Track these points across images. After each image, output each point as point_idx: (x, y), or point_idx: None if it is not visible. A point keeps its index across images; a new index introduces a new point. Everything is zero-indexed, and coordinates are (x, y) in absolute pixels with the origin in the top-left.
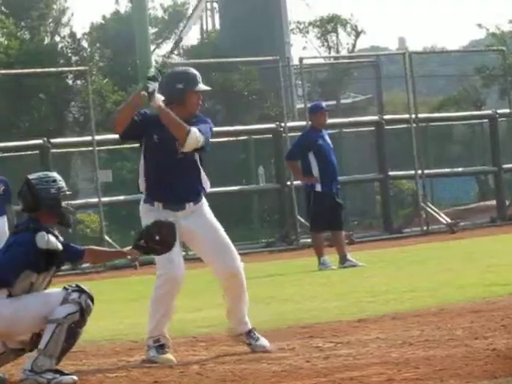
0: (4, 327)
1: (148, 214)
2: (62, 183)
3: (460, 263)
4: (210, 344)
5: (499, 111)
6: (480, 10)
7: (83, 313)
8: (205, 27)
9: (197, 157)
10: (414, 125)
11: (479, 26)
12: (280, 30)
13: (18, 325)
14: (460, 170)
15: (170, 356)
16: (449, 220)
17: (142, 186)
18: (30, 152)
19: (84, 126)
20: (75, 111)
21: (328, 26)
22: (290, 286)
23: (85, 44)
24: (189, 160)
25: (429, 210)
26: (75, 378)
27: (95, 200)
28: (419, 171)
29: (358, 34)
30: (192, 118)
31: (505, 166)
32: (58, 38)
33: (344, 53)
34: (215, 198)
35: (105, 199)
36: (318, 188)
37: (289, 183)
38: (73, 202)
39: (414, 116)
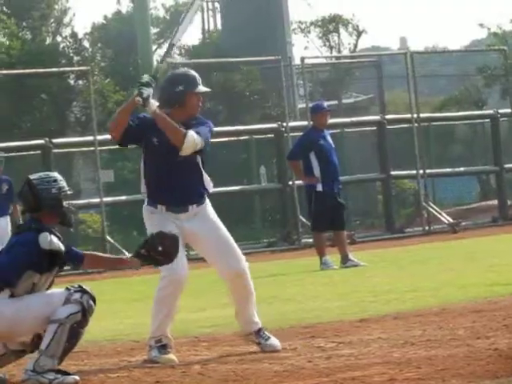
0: (6, 327)
1: (151, 217)
2: (62, 183)
3: (462, 263)
4: (212, 344)
5: (501, 111)
6: (481, 10)
7: (85, 313)
8: (206, 27)
9: (198, 159)
10: (416, 124)
11: (481, 25)
12: (282, 30)
13: (20, 325)
14: (462, 169)
15: (171, 356)
16: (451, 220)
17: (144, 189)
18: (31, 152)
19: (86, 126)
20: (77, 111)
21: (330, 25)
22: (292, 286)
23: (86, 44)
24: (190, 162)
25: (430, 209)
26: (77, 378)
27: (97, 200)
28: (421, 171)
29: (359, 34)
30: (192, 120)
31: (506, 165)
32: (59, 38)
33: (346, 53)
34: (217, 198)
35: (106, 199)
36: (319, 188)
37: (290, 183)
38: (75, 202)
39: (415, 116)
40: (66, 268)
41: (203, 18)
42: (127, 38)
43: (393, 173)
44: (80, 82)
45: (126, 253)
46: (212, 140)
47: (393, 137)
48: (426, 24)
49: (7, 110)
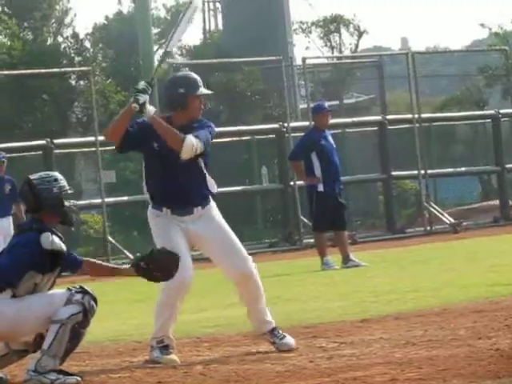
0: (7, 327)
1: (156, 220)
2: (63, 182)
3: (463, 263)
4: (214, 344)
5: (502, 111)
6: (482, 10)
7: (86, 313)
8: (207, 27)
9: (200, 161)
10: (417, 125)
11: (482, 25)
12: (283, 30)
13: (22, 325)
14: (463, 169)
15: (173, 357)
16: (452, 220)
17: (148, 193)
18: (33, 153)
19: (87, 126)
20: (78, 112)
21: (331, 26)
22: (293, 286)
23: (88, 44)
24: (192, 165)
25: (432, 209)
26: (79, 378)
27: (98, 201)
28: (422, 171)
29: (360, 34)
30: (194, 123)
31: (508, 165)
32: (60, 39)
33: (347, 53)
34: (218, 199)
35: (108, 200)
36: (321, 188)
37: (292, 183)
38: (76, 202)
39: (416, 116)
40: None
41: (204, 18)
42: (128, 39)
43: (394, 173)
44: (81, 82)
45: (127, 253)
46: (213, 140)
47: (394, 137)
48: (427, 24)
49: (8, 111)
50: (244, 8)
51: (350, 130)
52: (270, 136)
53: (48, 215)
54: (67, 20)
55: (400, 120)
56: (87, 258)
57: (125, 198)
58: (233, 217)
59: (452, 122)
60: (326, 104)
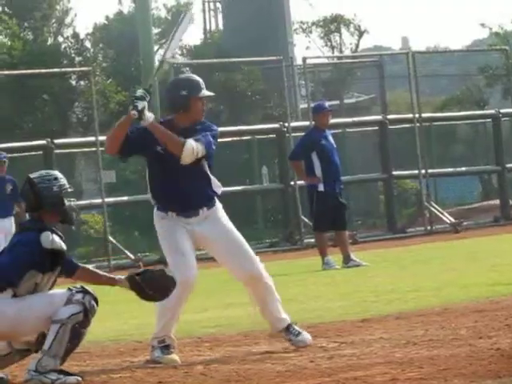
0: (8, 327)
1: (161, 222)
2: (63, 181)
3: (464, 263)
4: (215, 344)
5: (502, 111)
6: (483, 10)
7: (87, 313)
8: (208, 27)
9: (204, 163)
10: (418, 124)
11: (482, 25)
12: (283, 30)
13: (22, 325)
14: (463, 169)
15: (174, 356)
16: (452, 220)
17: (152, 197)
18: (33, 153)
19: (87, 126)
20: (79, 112)
21: (331, 25)
22: (294, 286)
23: (88, 44)
24: (196, 167)
25: (432, 209)
26: (79, 378)
27: (99, 201)
28: (423, 171)
29: (361, 34)
30: (197, 125)
31: (508, 165)
32: (61, 39)
33: (347, 53)
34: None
35: (108, 200)
36: (321, 188)
37: (292, 183)
38: (77, 202)
39: (417, 116)
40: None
41: (205, 18)
42: (129, 39)
43: (394, 173)
44: (82, 82)
45: (128, 253)
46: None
47: (394, 137)
48: (427, 24)
49: (9, 111)
50: (244, 8)
51: (351, 130)
52: (271, 136)
53: (48, 214)
54: (67, 20)
55: (400, 120)
56: (83, 265)
57: (125, 198)
58: (233, 217)
59: (452, 122)
60: (327, 104)
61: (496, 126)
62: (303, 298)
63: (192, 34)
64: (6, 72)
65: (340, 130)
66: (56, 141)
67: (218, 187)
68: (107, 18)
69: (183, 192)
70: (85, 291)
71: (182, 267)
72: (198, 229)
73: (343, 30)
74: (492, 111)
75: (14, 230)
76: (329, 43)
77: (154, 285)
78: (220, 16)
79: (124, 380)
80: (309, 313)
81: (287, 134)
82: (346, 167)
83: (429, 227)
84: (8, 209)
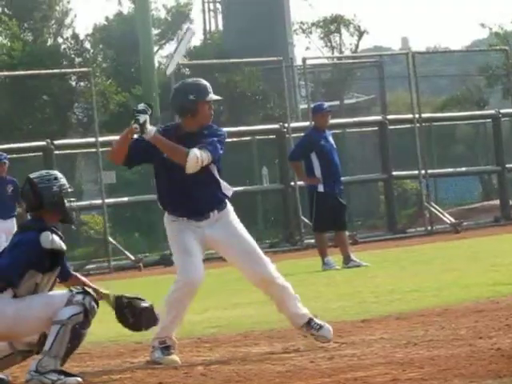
0: (8, 327)
1: (172, 225)
2: (63, 180)
3: (464, 263)
4: (215, 345)
5: (502, 111)
6: (483, 10)
7: (87, 314)
8: (208, 28)
9: (212, 167)
10: (418, 125)
11: (482, 25)
12: (283, 31)
13: (22, 325)
14: (463, 169)
15: (174, 357)
16: (453, 220)
17: (163, 205)
18: (33, 154)
19: (87, 127)
20: (79, 112)
21: (331, 26)
22: (294, 287)
23: (88, 45)
24: (204, 173)
25: (432, 209)
26: (79, 379)
27: (99, 201)
28: (423, 171)
29: (361, 34)
30: (204, 130)
31: (508, 165)
32: (60, 40)
33: (347, 53)
34: None
35: (108, 200)
36: (321, 188)
37: (293, 184)
38: (77, 203)
39: (417, 116)
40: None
41: (204, 19)
42: (129, 39)
43: (394, 173)
44: (82, 83)
45: (128, 254)
46: None
47: (394, 137)
48: (427, 24)
49: (9, 112)
50: (244, 9)
51: (351, 130)
52: (271, 136)
53: (48, 214)
54: (67, 21)
55: (400, 120)
56: (76, 274)
57: (125, 199)
58: None
59: (452, 122)
60: (326, 104)
61: (496, 126)
62: (303, 299)
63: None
64: (6, 73)
65: (340, 131)
66: (56, 142)
67: (227, 190)
68: (107, 18)
69: (192, 198)
70: (85, 292)
71: (189, 268)
72: (209, 231)
73: (343, 30)
74: (492, 111)
75: (15, 230)
76: (329, 44)
77: (136, 314)
78: (220, 17)
79: (124, 381)
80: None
81: (287, 135)
82: (346, 168)
83: (429, 227)
84: (10, 210)
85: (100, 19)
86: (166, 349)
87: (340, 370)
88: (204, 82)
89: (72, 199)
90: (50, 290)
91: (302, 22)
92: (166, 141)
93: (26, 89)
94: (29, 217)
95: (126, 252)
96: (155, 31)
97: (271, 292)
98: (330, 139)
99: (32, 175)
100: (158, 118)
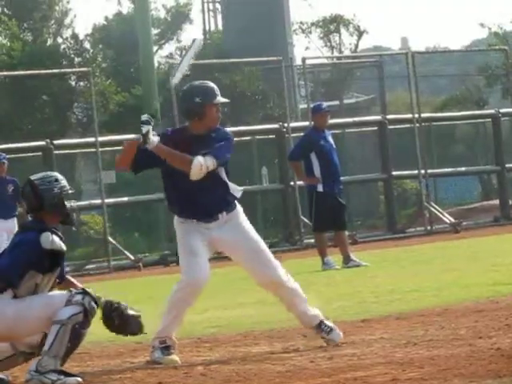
0: (8, 328)
1: (181, 226)
2: (64, 182)
3: (464, 263)
4: (215, 345)
5: (502, 110)
6: (482, 10)
7: (87, 314)
8: (207, 28)
9: (220, 170)
10: (417, 124)
11: (481, 25)
12: (283, 31)
13: (22, 325)
14: (463, 169)
15: (174, 357)
16: (452, 220)
17: (171, 208)
18: (33, 154)
19: (87, 127)
20: (78, 112)
21: (331, 26)
22: None
23: (87, 45)
24: (211, 176)
25: (432, 209)
26: (79, 379)
27: (99, 201)
28: (422, 171)
29: (360, 34)
30: (212, 132)
31: (508, 165)
32: (60, 40)
33: (347, 53)
34: None
35: (108, 200)
36: (320, 188)
37: (292, 183)
38: (76, 203)
39: (416, 116)
40: (67, 270)
41: (204, 19)
42: (128, 39)
43: (394, 173)
44: (81, 83)
45: (128, 254)
46: None
47: (394, 137)
48: (427, 24)
49: (8, 112)
50: (244, 8)
51: (350, 130)
52: (270, 136)
53: (49, 215)
54: (67, 21)
55: (400, 120)
56: (69, 277)
57: (125, 199)
58: None
59: (452, 122)
60: (325, 104)
61: (496, 126)
62: None
63: (191, 35)
64: (6, 73)
65: (340, 131)
66: (55, 141)
67: (236, 191)
68: (106, 18)
69: (200, 202)
70: (84, 292)
71: (193, 268)
72: (218, 233)
73: (343, 30)
74: (492, 111)
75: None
76: (328, 43)
77: (123, 318)
78: (219, 17)
79: (124, 381)
80: None
81: (287, 135)
82: (345, 167)
83: (429, 227)
84: (10, 209)
85: (99, 19)
86: (166, 349)
87: (340, 370)
88: (211, 84)
89: (72, 200)
90: (50, 290)
91: (301, 22)
92: (169, 150)
93: (25, 89)
94: (29, 217)
95: (126, 252)
96: (155, 31)
97: (281, 294)
98: (330, 139)
99: (33, 177)
100: (158, 119)
